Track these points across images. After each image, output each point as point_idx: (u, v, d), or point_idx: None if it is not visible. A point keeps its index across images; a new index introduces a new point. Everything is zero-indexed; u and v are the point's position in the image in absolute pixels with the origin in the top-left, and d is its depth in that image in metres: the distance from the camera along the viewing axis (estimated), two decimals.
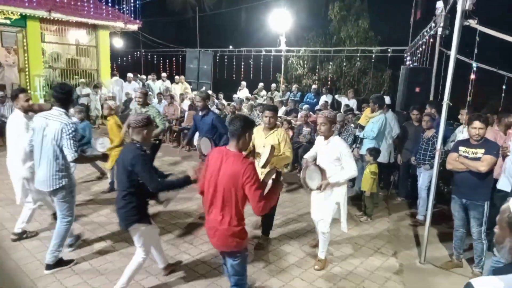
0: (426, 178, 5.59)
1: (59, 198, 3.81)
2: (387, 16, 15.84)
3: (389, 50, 12.53)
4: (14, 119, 4.41)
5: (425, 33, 8.20)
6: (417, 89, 7.53)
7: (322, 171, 3.93)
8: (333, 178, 3.96)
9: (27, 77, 12.40)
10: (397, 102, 8.14)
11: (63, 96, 3.73)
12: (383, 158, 6.49)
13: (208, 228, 2.96)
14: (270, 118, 4.42)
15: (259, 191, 2.75)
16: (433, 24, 7.51)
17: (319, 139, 4.33)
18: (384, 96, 7.62)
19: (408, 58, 10.28)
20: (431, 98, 7.53)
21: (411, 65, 9.40)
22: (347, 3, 16.55)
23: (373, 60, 14.26)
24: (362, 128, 6.58)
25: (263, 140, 4.44)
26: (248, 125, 2.90)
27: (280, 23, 14.36)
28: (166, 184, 3.41)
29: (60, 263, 3.92)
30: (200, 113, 5.38)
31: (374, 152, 5.87)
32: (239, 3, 19.67)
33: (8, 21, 11.69)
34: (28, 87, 12.41)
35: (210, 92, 12.94)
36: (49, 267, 3.84)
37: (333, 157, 4.04)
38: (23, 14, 11.72)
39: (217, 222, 2.85)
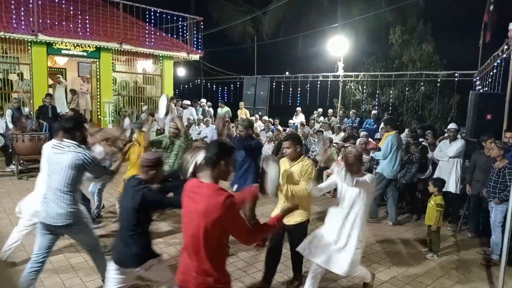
0: (499, 213, 5.10)
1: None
2: (454, 39, 15.15)
3: (456, 74, 11.88)
4: None
5: (496, 57, 7.69)
6: (488, 116, 6.99)
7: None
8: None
9: (98, 103, 13.42)
10: (466, 130, 7.60)
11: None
12: (453, 187, 6.28)
13: (180, 269, 2.53)
14: (287, 149, 3.94)
15: (244, 226, 2.40)
16: (506, 47, 7.03)
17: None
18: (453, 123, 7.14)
19: (478, 83, 9.66)
20: (504, 126, 6.94)
21: (481, 91, 8.80)
22: (410, 26, 16.10)
23: (438, 84, 13.59)
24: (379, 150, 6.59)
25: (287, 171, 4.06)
26: (224, 151, 2.48)
27: (337, 48, 14.29)
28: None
29: None
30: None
31: (439, 182, 5.47)
32: (297, 31, 19.97)
33: (84, 53, 12.86)
34: (99, 113, 13.41)
35: (266, 117, 13.09)
36: None
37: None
38: (98, 46, 12.83)
39: (190, 268, 2.42)
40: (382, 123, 7.00)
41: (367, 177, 3.60)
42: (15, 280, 2.63)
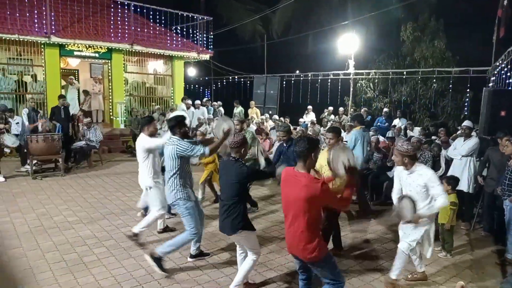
0: None
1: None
2: (466, 35, 14.91)
3: (469, 70, 11.71)
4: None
5: (511, 52, 7.57)
6: (502, 113, 6.86)
7: (414, 204, 3.81)
8: (423, 211, 3.87)
9: (110, 104, 13.56)
10: (480, 127, 7.47)
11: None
12: (465, 186, 6.22)
13: (287, 237, 3.19)
14: (330, 139, 4.70)
15: (336, 199, 3.13)
16: None
17: (398, 169, 4.18)
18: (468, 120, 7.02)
19: (492, 79, 9.50)
20: None
21: (495, 87, 8.66)
22: (421, 23, 15.90)
23: (451, 81, 13.39)
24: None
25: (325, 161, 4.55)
26: (313, 145, 3.03)
27: (348, 46, 14.20)
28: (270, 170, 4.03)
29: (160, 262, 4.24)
30: (284, 144, 5.76)
31: (452, 180, 5.39)
32: (307, 29, 19.88)
33: (96, 54, 13.03)
34: (111, 113, 13.56)
35: (276, 116, 13.08)
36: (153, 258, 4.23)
37: (419, 186, 3.91)
38: (110, 47, 12.97)
39: (294, 233, 3.06)
40: (350, 119, 7.71)
41: (418, 167, 3.98)
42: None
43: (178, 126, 4.33)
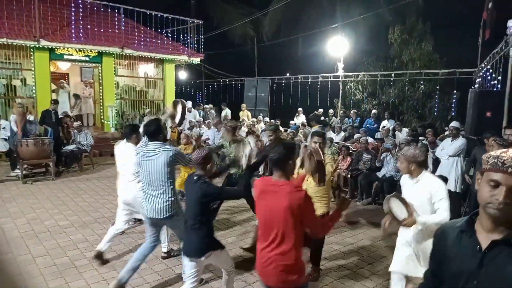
0: None
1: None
2: (453, 37, 15.16)
3: (456, 72, 11.91)
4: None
5: (495, 54, 7.74)
6: (488, 114, 7.02)
7: (407, 205, 3.16)
8: (421, 218, 3.11)
9: (101, 107, 13.51)
10: (466, 128, 7.63)
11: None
12: (452, 185, 6.26)
13: (260, 261, 2.69)
14: (321, 143, 4.49)
15: (318, 219, 2.79)
16: (505, 44, 7.08)
17: (405, 177, 3.55)
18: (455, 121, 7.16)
19: (477, 80, 9.69)
20: (504, 123, 6.97)
21: (481, 88, 8.84)
22: (409, 26, 16.14)
23: (438, 83, 13.61)
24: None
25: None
26: (289, 151, 2.74)
27: (337, 49, 14.36)
28: (244, 188, 3.59)
29: None
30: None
31: (441, 179, 5.49)
32: (297, 32, 20.03)
33: (87, 58, 12.97)
34: (102, 117, 13.50)
35: (267, 119, 13.17)
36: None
37: (423, 198, 3.22)
38: (100, 51, 12.92)
39: (274, 253, 2.60)
40: (311, 119, 8.40)
41: (425, 176, 3.36)
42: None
43: (160, 131, 3.99)
